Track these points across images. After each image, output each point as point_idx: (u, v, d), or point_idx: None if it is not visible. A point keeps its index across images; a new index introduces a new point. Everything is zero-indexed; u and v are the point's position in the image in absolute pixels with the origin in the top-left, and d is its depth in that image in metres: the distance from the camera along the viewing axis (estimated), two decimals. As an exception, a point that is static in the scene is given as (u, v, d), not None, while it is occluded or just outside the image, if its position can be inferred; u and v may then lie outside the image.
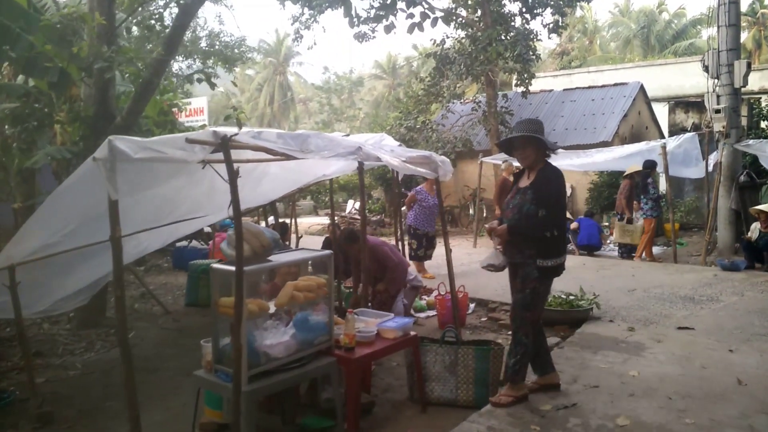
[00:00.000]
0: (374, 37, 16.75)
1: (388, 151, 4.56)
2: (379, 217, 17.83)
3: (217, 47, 26.21)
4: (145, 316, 7.56)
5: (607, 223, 14.73)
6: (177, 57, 25.85)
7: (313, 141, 3.59)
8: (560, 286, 8.18)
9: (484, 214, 16.62)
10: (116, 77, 8.14)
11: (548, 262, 4.10)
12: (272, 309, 3.81)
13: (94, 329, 6.76)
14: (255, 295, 3.82)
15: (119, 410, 4.77)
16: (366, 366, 4.72)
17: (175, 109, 20.00)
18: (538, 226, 4.07)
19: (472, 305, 7.55)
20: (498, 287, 8.28)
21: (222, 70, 26.45)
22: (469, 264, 10.58)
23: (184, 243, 13.32)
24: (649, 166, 10.64)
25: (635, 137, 16.14)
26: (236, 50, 26.27)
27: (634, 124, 17.15)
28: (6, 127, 7.35)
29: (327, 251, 4.07)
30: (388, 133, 16.96)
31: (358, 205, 20.34)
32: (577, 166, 12.36)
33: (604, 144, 14.90)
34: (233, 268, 3.51)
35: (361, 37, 16.74)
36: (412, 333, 4.55)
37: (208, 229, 13.02)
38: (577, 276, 9.08)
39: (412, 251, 9.39)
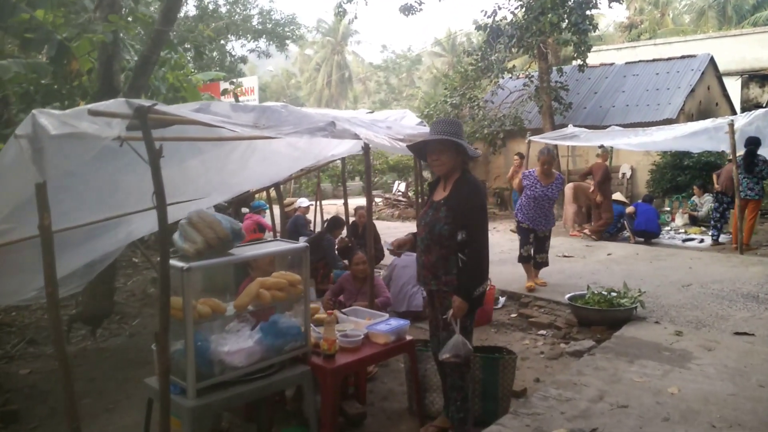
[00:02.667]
0: (421, 9, 15.98)
1: (384, 128, 3.95)
2: (423, 199, 17.12)
3: (268, 26, 25.98)
4: (156, 302, 7.23)
5: (668, 208, 13.62)
6: (229, 36, 25.88)
7: (273, 115, 3.03)
8: (606, 279, 7.42)
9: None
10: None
11: (477, 290, 3.49)
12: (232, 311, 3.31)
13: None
14: (213, 293, 3.32)
15: (93, 409, 4.43)
16: (361, 373, 4.19)
17: (233, 90, 19.56)
18: (456, 250, 3.45)
19: (502, 299, 6.87)
20: (534, 279, 7.56)
21: (280, 49, 26.23)
22: (509, 251, 9.84)
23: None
24: (753, 142, 9.54)
25: (703, 114, 14.82)
26: (287, 28, 25.96)
27: (702, 100, 15.76)
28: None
29: (301, 244, 3.52)
30: (433, 110, 16.26)
31: (403, 186, 19.71)
32: (634, 146, 11.32)
33: (668, 121, 13.71)
34: (181, 264, 3.03)
35: (407, 10, 16.00)
36: (408, 337, 3.96)
37: (245, 210, 12.73)
38: (627, 267, 8.25)
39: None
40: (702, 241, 10.80)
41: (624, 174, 15.11)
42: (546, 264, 7.37)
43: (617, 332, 5.39)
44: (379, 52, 76.66)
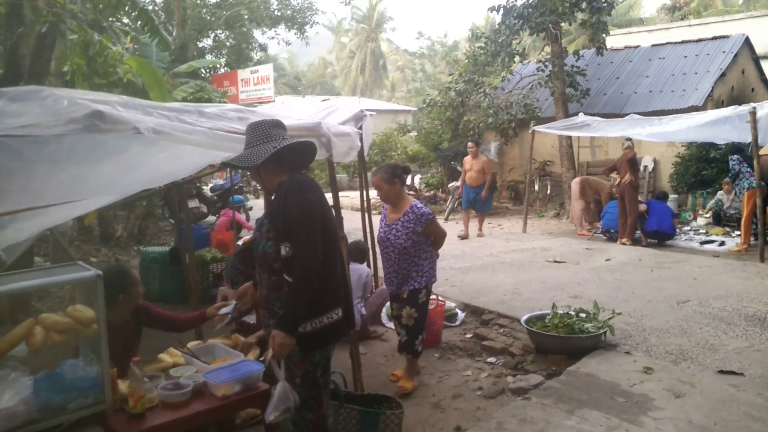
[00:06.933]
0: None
1: (236, 119, 3.11)
2: (432, 192, 16.18)
3: (287, 13, 25.33)
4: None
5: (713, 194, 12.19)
6: (250, 25, 25.25)
7: (13, 103, 2.24)
8: (593, 291, 6.43)
9: (548, 191, 14.63)
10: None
11: (307, 325, 2.68)
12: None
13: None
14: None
15: None
16: (223, 421, 3.39)
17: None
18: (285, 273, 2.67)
19: (461, 315, 5.97)
20: (507, 291, 6.64)
21: (318, 37, 25.52)
22: (498, 255, 8.91)
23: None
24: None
25: (736, 101, 13.37)
26: (306, 15, 25.23)
27: (735, 85, 14.30)
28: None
29: (91, 272, 2.72)
30: (439, 97, 15.29)
31: (417, 179, 18.76)
32: (646, 136, 10.15)
33: (694, 109, 12.36)
34: None
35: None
36: (262, 386, 3.13)
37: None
38: (621, 277, 7.23)
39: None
40: (722, 243, 9.61)
41: (646, 166, 13.83)
42: (410, 349, 4.38)
43: (572, 366, 4.45)
44: (414, 39, 75.30)
